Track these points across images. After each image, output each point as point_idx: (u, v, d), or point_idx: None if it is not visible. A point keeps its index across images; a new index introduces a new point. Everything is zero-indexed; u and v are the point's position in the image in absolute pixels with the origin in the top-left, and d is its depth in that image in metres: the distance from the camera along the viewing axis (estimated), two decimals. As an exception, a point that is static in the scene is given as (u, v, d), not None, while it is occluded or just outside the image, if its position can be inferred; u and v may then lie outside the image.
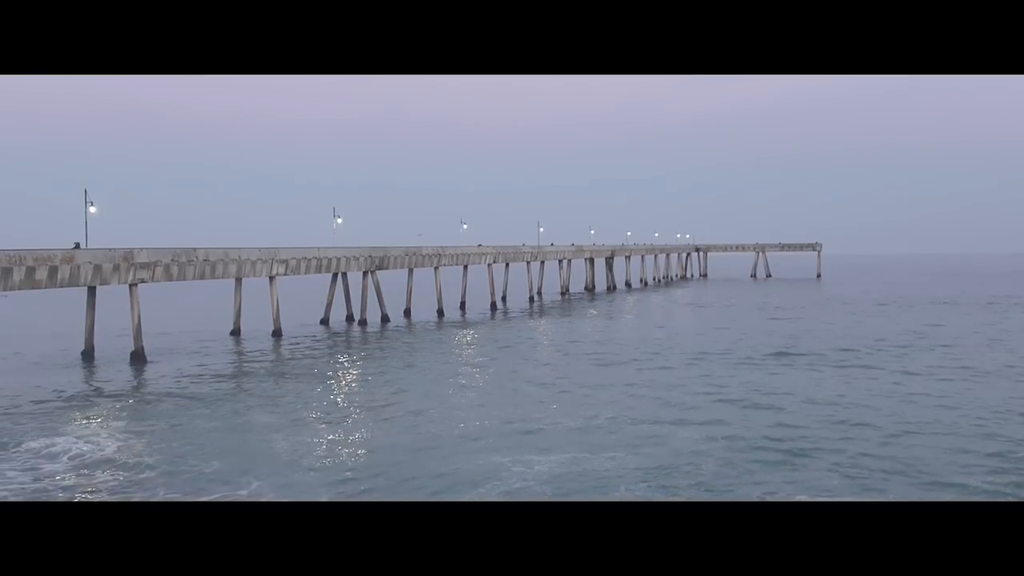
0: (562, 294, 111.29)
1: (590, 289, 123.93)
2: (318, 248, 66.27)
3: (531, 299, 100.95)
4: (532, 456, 25.23)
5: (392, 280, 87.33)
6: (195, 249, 53.41)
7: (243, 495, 21.89)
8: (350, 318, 72.95)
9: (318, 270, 66.48)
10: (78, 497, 21.78)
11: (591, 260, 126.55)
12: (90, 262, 46.38)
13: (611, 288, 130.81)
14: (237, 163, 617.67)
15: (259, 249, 59.58)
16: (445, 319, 76.17)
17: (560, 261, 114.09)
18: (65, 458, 25.67)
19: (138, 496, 21.77)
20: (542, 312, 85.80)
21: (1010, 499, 20.38)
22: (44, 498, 21.55)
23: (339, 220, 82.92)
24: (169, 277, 51.62)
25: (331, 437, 28.44)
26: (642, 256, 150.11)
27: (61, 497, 21.73)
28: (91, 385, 41.12)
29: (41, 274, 43.36)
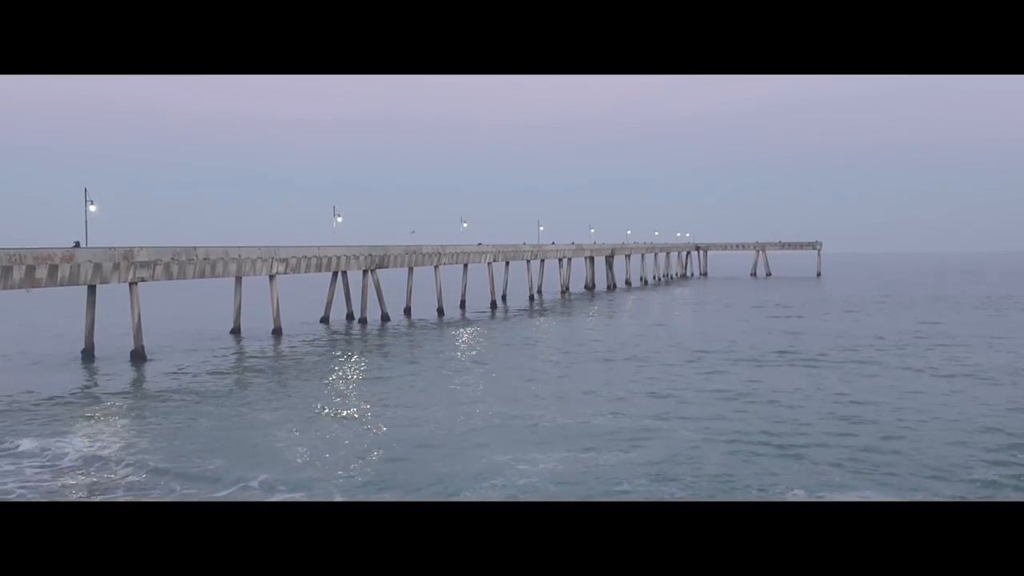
0: (562, 293, 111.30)
1: (590, 288, 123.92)
2: (318, 247, 66.25)
3: (531, 298, 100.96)
4: (535, 454, 25.28)
5: (392, 279, 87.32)
6: (195, 248, 53.41)
7: (253, 487, 22.00)
8: (350, 317, 72.95)
9: (318, 269, 66.46)
10: (82, 496, 21.78)
11: (591, 259, 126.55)
12: (90, 261, 46.39)
13: (611, 287, 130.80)
14: (237, 163, 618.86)
15: (259, 248, 59.57)
16: (445, 318, 76.18)
17: (560, 260, 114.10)
18: (67, 457, 25.66)
19: (143, 495, 21.78)
20: (542, 311, 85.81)
21: (1010, 499, 20.38)
22: (47, 498, 21.56)
23: (339, 219, 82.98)
24: (169, 276, 51.63)
25: (335, 435, 28.44)
26: (642, 255, 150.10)
27: (64, 497, 21.74)
28: (92, 384, 41.14)
29: (41, 273, 43.38)
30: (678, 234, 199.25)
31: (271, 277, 61.23)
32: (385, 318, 71.60)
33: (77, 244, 49.69)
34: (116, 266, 47.94)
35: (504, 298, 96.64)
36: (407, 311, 77.88)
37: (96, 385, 40.70)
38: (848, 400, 34.00)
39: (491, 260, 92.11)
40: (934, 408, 32.09)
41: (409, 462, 24.76)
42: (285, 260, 61.85)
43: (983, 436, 27.24)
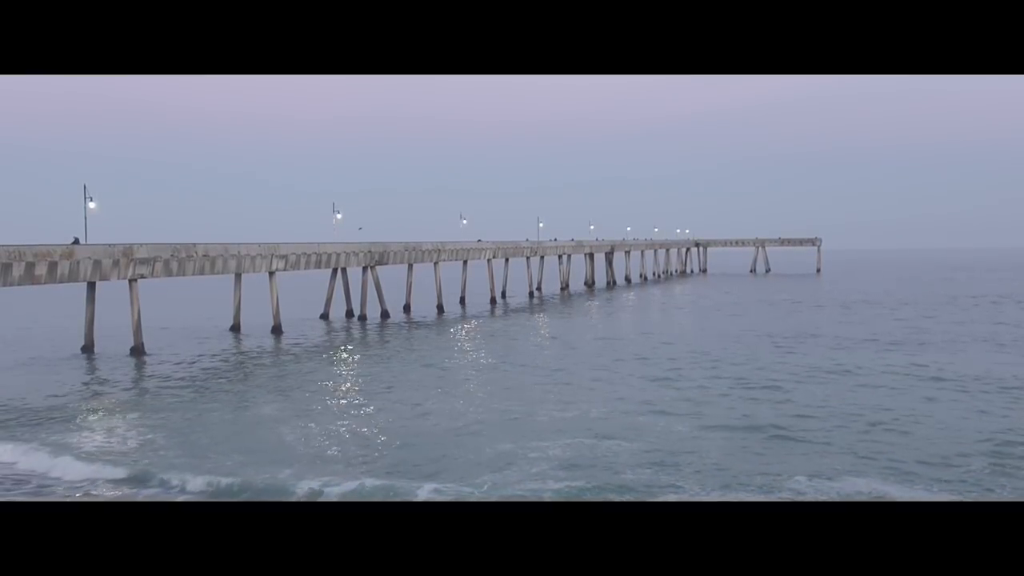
0: (562, 289, 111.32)
1: (590, 285, 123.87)
2: (318, 243, 66.24)
3: (531, 294, 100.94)
4: (540, 442, 25.68)
5: (392, 276, 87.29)
6: (195, 244, 53.40)
7: (266, 483, 22.06)
8: (350, 313, 72.95)
9: (317, 265, 66.44)
10: (85, 495, 21.78)
11: (591, 255, 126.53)
12: (89, 258, 46.37)
13: (611, 284, 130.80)
14: (237, 162, 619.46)
15: (258, 244, 59.54)
16: (445, 314, 76.18)
17: (560, 256, 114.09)
18: (69, 456, 25.60)
19: (148, 494, 21.81)
20: (542, 307, 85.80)
21: (1010, 499, 20.40)
22: (50, 497, 21.57)
23: (339, 216, 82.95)
24: (169, 273, 51.64)
25: (339, 431, 28.46)
26: (642, 251, 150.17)
27: (68, 496, 21.74)
28: (93, 381, 41.14)
29: (41, 270, 43.36)
30: (678, 231, 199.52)
31: (271, 274, 61.20)
32: (385, 315, 71.60)
33: (76, 241, 49.71)
34: (116, 263, 47.93)
35: (504, 295, 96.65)
36: (407, 308, 77.88)
37: (97, 382, 40.70)
38: (850, 396, 34.00)
39: (491, 257, 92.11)
40: (935, 404, 32.09)
41: (418, 456, 24.81)
42: (285, 257, 61.82)
43: (983, 429, 27.25)
